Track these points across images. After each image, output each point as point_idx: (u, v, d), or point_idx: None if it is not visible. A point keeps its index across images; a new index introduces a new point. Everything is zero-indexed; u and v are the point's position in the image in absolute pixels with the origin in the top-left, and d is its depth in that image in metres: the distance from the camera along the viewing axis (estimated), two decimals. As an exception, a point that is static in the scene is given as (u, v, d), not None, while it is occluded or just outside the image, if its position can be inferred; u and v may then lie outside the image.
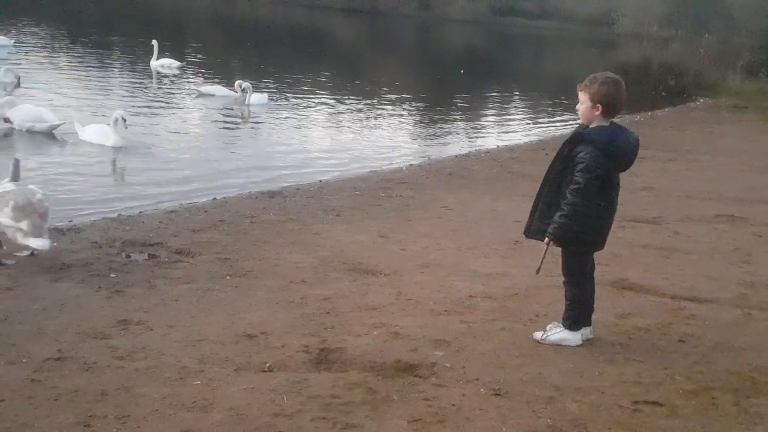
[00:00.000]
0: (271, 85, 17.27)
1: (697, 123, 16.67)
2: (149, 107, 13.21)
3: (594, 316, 4.18)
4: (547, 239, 3.92)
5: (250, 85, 14.30)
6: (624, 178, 4.01)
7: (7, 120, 10.07)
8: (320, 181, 9.08)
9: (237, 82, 14.60)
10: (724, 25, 29.56)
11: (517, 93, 22.74)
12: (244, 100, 14.16)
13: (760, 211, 8.09)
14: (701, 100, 21.86)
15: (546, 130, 15.48)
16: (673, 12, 37.32)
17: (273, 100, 14.81)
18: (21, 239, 4.99)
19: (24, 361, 3.59)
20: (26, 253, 5.24)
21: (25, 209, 4.98)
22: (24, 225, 4.95)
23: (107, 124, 9.96)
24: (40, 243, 5.00)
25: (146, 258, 5.44)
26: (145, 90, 15.29)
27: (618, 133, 3.87)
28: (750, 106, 19.90)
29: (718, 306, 4.91)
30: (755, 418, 3.35)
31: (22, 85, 13.36)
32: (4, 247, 5.18)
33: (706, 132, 15.17)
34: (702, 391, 3.59)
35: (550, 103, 20.70)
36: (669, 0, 39.59)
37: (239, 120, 13.13)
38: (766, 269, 5.88)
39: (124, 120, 9.79)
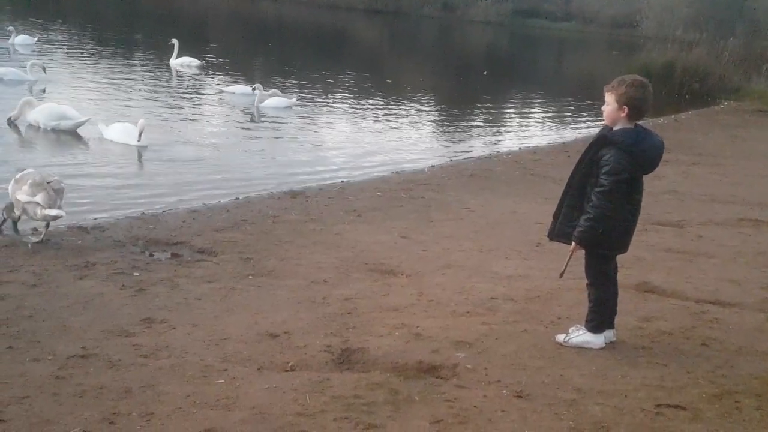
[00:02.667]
0: (293, 85, 17.36)
1: (721, 126, 16.50)
2: (171, 106, 13.34)
3: (617, 319, 4.17)
4: (573, 243, 3.91)
5: (260, 86, 14.34)
6: (647, 181, 3.98)
7: (10, 122, 10.17)
8: (342, 181, 9.11)
9: (255, 85, 14.68)
10: (749, 28, 29.24)
11: (540, 95, 22.63)
12: (258, 100, 14.15)
13: (786, 215, 8.00)
14: (725, 104, 21.65)
15: (568, 133, 15.38)
16: (698, 15, 36.92)
17: (298, 102, 14.83)
18: (38, 211, 5.42)
19: (49, 358, 3.64)
20: (37, 239, 5.56)
21: (41, 185, 5.47)
22: (39, 198, 5.40)
23: (131, 123, 10.07)
24: (55, 212, 5.45)
25: (169, 257, 5.50)
26: (165, 89, 15.43)
27: (643, 135, 3.85)
28: (775, 109, 19.71)
29: (742, 310, 4.87)
30: (780, 424, 3.33)
31: (46, 79, 13.56)
32: (21, 216, 5.59)
33: (730, 135, 15.01)
34: (725, 395, 3.57)
35: (573, 105, 20.58)
36: (694, 3, 39.18)
37: (259, 120, 13.19)
38: (793, 273, 5.81)
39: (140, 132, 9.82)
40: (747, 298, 5.14)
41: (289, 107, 14.22)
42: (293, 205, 7.55)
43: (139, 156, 9.65)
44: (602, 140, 3.88)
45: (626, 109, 3.83)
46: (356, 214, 7.22)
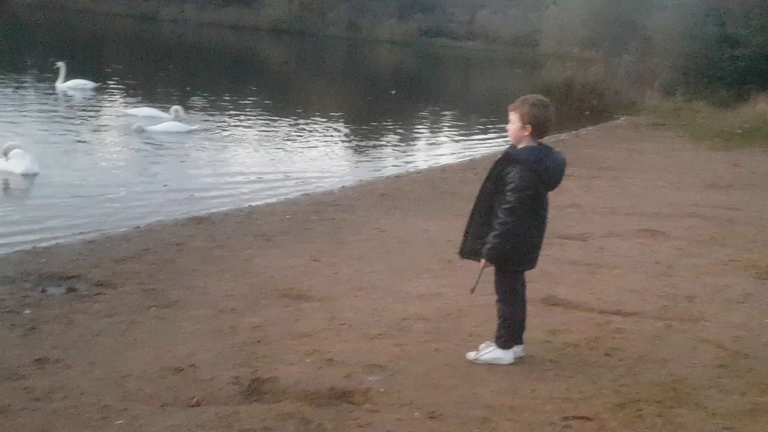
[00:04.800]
0: (196, 107, 17.05)
1: (619, 141, 17.28)
2: (63, 132, 12.80)
3: (525, 334, 4.25)
4: (482, 260, 3.97)
5: (180, 108, 14.02)
6: (551, 196, 4.10)
7: None
8: (250, 205, 9.00)
9: (173, 108, 14.28)
10: (642, 46, 30.82)
11: (447, 113, 23.11)
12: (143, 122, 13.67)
13: (679, 225, 8.41)
14: (622, 119, 22.67)
15: (476, 150, 15.76)
16: (593, 33, 38.75)
17: (199, 128, 14.55)
18: None
19: (-70, 407, 3.39)
20: None
21: None
22: None
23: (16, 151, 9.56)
24: None
25: (64, 292, 5.24)
26: (56, 113, 14.81)
27: (546, 153, 3.97)
28: (667, 123, 20.79)
29: (642, 319, 5.07)
30: (679, 429, 3.46)
31: None
32: None
33: (627, 149, 15.72)
34: (628, 403, 3.69)
35: (480, 123, 21.10)
36: (589, 22, 41.09)
37: (161, 143, 12.86)
38: (686, 281, 6.11)
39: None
40: (646, 306, 5.36)
41: (189, 132, 13.88)
42: (198, 231, 7.39)
43: (28, 185, 9.19)
44: (507, 158, 3.98)
45: (530, 127, 3.94)
46: (265, 239, 7.13)
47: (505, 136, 4.17)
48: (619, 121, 22.14)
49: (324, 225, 7.92)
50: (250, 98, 20.63)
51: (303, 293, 5.43)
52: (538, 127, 3.95)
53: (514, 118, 4.00)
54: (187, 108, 15.71)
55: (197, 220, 7.91)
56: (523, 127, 3.96)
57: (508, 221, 3.87)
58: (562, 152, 4.06)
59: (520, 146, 4.00)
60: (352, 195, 9.87)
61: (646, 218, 8.75)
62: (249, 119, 16.75)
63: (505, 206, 3.87)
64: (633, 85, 25.64)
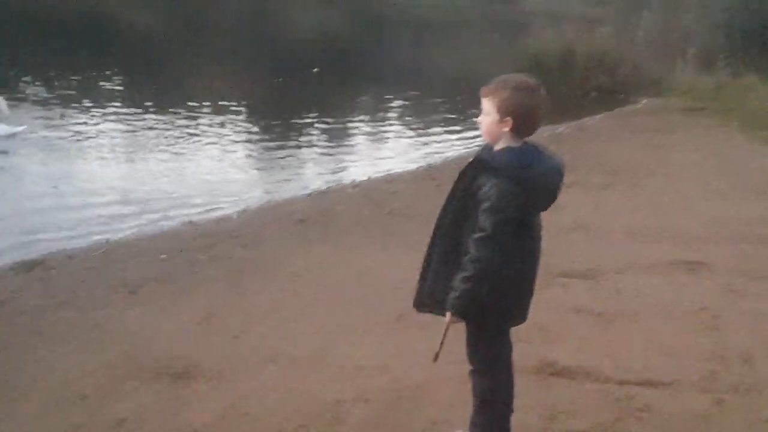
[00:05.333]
0: (27, 100, 16.75)
1: (640, 133, 17.59)
2: None
3: (514, 419, 4.25)
4: (448, 315, 3.96)
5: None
6: (546, 216, 4.13)
7: None
8: (107, 241, 8.94)
9: None
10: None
11: (395, 100, 23.28)
12: None
13: (728, 253, 8.53)
14: (644, 101, 23.14)
15: (437, 152, 15.93)
16: (599, -18, 39.59)
17: (28, 129, 14.24)
18: None
19: None
20: None
21: None
22: None
23: None
24: None
25: None
26: None
27: (535, 156, 3.97)
28: (707, 106, 21.27)
29: (680, 391, 5.12)
30: None
31: None
32: None
33: (652, 145, 16.02)
34: None
35: (443, 114, 21.30)
36: (593, -34, 42.02)
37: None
38: (739, 335, 6.20)
39: None
40: (686, 373, 5.41)
41: (12, 136, 13.59)
42: (28, 282, 7.28)
43: None
44: (479, 165, 3.98)
45: (511, 121, 3.94)
46: (130, 291, 7.06)
47: (478, 133, 4.19)
48: (639, 106, 22.60)
49: (217, 267, 7.85)
50: (108, 85, 20.44)
51: (188, 369, 5.35)
52: (522, 119, 3.96)
53: (488, 107, 4.01)
54: (11, 100, 15.43)
55: (26, 266, 7.78)
56: (501, 121, 3.97)
57: (483, 256, 3.86)
58: (557, 155, 4.09)
59: (498, 147, 4.01)
60: (257, 222, 9.83)
61: (680, 244, 8.89)
62: (107, 115, 16.57)
63: (479, 235, 3.87)
64: (657, 55, 26.16)
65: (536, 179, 3.93)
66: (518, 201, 3.87)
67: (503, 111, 3.95)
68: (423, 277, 4.12)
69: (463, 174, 4.03)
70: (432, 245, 4.09)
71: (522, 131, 3.99)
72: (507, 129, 3.96)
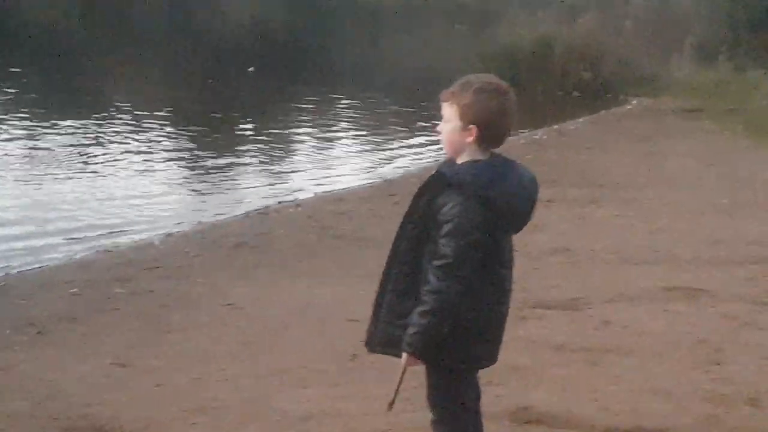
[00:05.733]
0: None
1: (631, 139, 17.77)
2: None
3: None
4: (405, 355, 3.97)
5: None
6: (521, 236, 4.15)
7: None
8: (6, 274, 8.87)
9: None
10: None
11: (347, 102, 23.29)
12: None
13: (733, 278, 8.63)
14: (634, 102, 23.40)
15: (394, 164, 16.01)
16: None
17: None
18: None
19: None
20: None
21: None
22: None
23: None
24: None
25: None
26: None
27: (504, 171, 3.97)
28: (707, 107, 21.53)
29: (678, 438, 5.19)
30: None
31: None
32: None
33: (644, 153, 16.20)
34: None
35: (402, 117, 21.38)
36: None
37: None
38: (746, 373, 6.26)
39: None
40: (682, 418, 5.46)
41: None
42: None
43: None
44: (439, 182, 3.99)
45: (475, 129, 3.96)
46: (37, 331, 6.98)
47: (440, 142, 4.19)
48: (628, 107, 22.83)
49: (137, 302, 7.82)
50: (12, 89, 20.23)
51: (104, 423, 5.31)
52: (488, 128, 3.98)
53: (449, 114, 4.02)
54: None
55: None
56: (464, 129, 3.98)
57: (444, 287, 3.88)
58: (529, 169, 4.11)
59: (462, 161, 4.04)
60: (184, 248, 9.80)
61: (678, 268, 8.98)
62: (8, 125, 16.39)
63: (439, 262, 3.89)
64: (648, 48, 26.41)
65: (505, 197, 3.92)
66: (485, 223, 3.87)
67: (466, 118, 3.95)
68: (376, 312, 4.11)
69: (420, 192, 4.03)
70: (386, 275, 4.09)
71: (488, 141, 3.99)
72: (471, 139, 3.96)
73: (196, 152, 16.22)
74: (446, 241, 3.87)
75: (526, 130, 17.79)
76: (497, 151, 4.07)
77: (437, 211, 3.93)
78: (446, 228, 3.87)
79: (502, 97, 4.00)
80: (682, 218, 11.36)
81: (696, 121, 20.09)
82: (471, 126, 3.95)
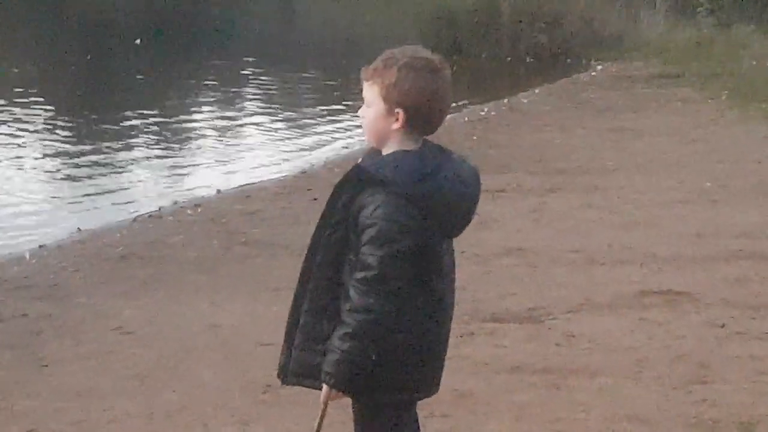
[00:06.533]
0: None
1: (595, 112, 17.93)
2: None
3: None
4: (326, 387, 3.96)
5: None
6: (468, 234, 4.16)
7: None
8: None
9: None
10: None
11: (255, 78, 23.24)
12: None
13: (718, 277, 8.76)
14: (599, 68, 23.56)
15: (313, 151, 16.09)
16: None
17: None
18: None
19: None
20: None
21: None
22: None
23: None
24: None
25: None
26: None
27: (437, 163, 3.96)
28: (685, 71, 21.74)
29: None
30: None
31: None
32: None
33: (611, 129, 16.36)
34: None
35: (322, 94, 21.39)
36: None
37: None
38: (737, 391, 6.35)
39: None
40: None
41: None
42: None
43: None
44: (360, 177, 3.98)
45: (402, 114, 3.95)
46: None
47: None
48: (593, 74, 22.98)
49: (6, 329, 7.84)
50: None
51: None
52: (418, 112, 3.96)
53: (372, 95, 4.00)
54: None
55: None
56: (389, 114, 3.98)
57: (369, 304, 3.87)
58: (469, 160, 4.10)
59: (387, 151, 4.04)
60: (62, 262, 9.79)
61: (653, 268, 9.08)
62: None
63: (362, 275, 3.88)
64: (614, 2, 26.59)
65: (439, 194, 3.92)
66: (414, 226, 3.87)
67: (391, 100, 3.95)
68: (289, 336, 4.12)
69: (337, 190, 4.03)
70: (300, 291, 4.10)
71: (418, 127, 4.00)
72: (397, 125, 3.96)
73: (73, 145, 16.15)
74: (369, 250, 3.87)
75: (470, 105, 17.87)
76: (431, 138, 4.08)
77: (357, 213, 3.92)
78: (368, 234, 3.87)
79: (434, 74, 3.99)
80: (657, 208, 11.47)
81: (673, 89, 20.25)
82: (397, 110, 3.95)
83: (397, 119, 3.95)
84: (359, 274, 3.88)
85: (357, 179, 3.99)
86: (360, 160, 4.07)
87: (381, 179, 3.91)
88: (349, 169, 4.05)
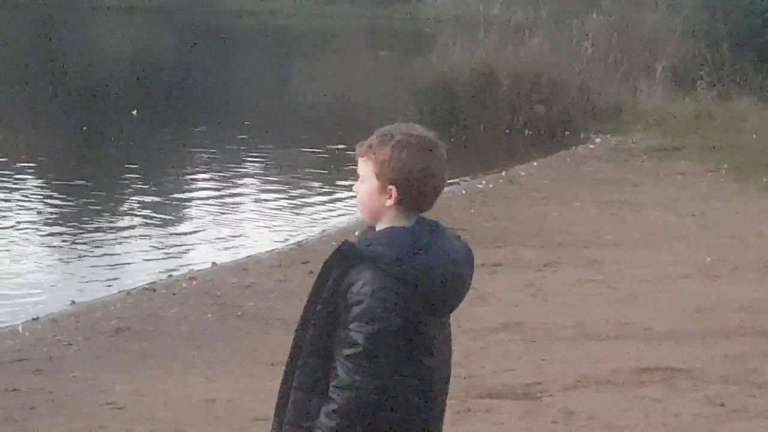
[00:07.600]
0: None
1: (594, 185, 17.89)
2: None
3: None
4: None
5: None
6: (464, 309, 4.13)
7: None
8: None
9: None
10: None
11: (253, 148, 23.16)
12: None
13: (718, 354, 8.74)
14: (597, 140, 23.50)
15: (309, 223, 16.07)
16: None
17: None
18: None
19: None
20: None
21: None
22: None
23: None
24: None
25: None
26: None
27: (428, 240, 3.96)
28: (685, 144, 21.71)
29: None
30: None
31: None
32: None
33: (611, 202, 16.33)
34: None
35: (318, 165, 21.34)
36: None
37: None
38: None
39: None
40: None
41: None
42: None
43: None
44: (347, 254, 3.98)
45: (394, 190, 3.97)
46: None
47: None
48: (591, 147, 22.91)
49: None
50: None
51: None
52: (411, 189, 3.98)
53: (366, 171, 4.03)
54: None
55: None
56: (382, 190, 4.00)
57: (356, 382, 3.87)
58: (463, 238, 4.08)
59: (380, 227, 4.05)
60: (56, 336, 9.75)
61: (652, 344, 9.06)
62: None
63: (349, 351, 3.89)
64: (613, 74, 26.59)
65: (428, 273, 3.92)
66: (402, 303, 3.88)
67: (384, 177, 3.97)
68: (279, 412, 4.12)
69: (327, 266, 4.03)
70: (290, 367, 4.09)
71: (412, 204, 4.02)
72: (390, 202, 3.99)
73: (68, 216, 16.07)
74: (356, 327, 3.88)
75: (468, 178, 17.86)
76: (426, 214, 4.08)
77: (346, 289, 3.93)
78: (355, 311, 3.89)
79: (428, 151, 4.01)
80: (656, 283, 11.48)
81: (673, 163, 20.21)
82: (390, 187, 3.97)
83: (390, 196, 3.98)
84: (346, 351, 3.89)
85: (346, 255, 3.99)
86: (357, 234, 4.09)
87: (369, 256, 3.93)
88: (339, 244, 4.06)
